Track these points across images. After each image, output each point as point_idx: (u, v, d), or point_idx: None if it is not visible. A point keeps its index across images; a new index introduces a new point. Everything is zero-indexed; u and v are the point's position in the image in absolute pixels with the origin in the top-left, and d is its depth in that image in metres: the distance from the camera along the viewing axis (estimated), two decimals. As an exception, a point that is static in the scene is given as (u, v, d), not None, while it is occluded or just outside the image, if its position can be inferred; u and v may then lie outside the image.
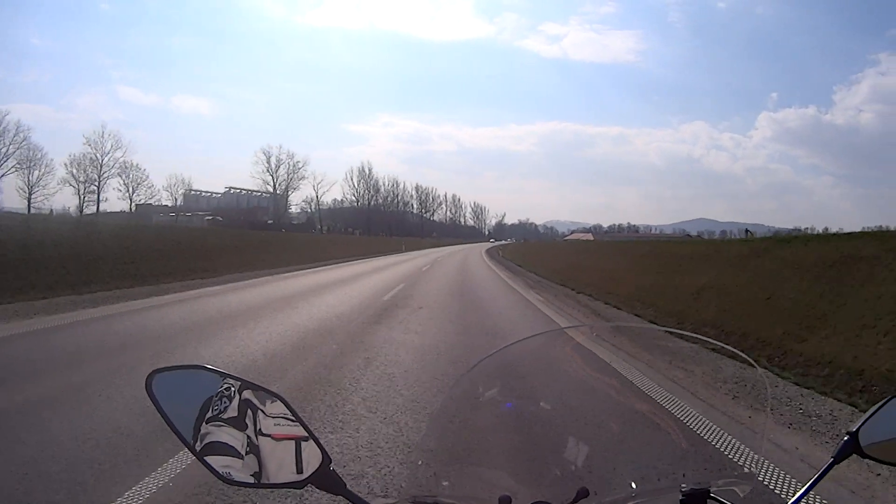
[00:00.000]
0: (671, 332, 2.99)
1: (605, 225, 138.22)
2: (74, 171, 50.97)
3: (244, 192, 77.01)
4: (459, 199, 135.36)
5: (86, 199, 51.60)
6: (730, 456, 1.89)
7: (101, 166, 52.25)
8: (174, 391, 0.75)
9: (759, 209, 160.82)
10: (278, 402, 0.75)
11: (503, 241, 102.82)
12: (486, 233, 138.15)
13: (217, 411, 0.73)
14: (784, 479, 2.53)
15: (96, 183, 52.02)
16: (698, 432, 2.77)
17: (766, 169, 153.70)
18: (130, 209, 54.75)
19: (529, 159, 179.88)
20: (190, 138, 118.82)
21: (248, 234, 29.16)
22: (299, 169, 69.98)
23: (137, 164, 55.80)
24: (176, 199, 63.96)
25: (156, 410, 0.72)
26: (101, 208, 52.58)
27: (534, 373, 1.00)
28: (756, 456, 1.87)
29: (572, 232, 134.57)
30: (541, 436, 0.93)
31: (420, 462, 0.93)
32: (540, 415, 0.96)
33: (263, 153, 68.59)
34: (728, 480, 0.84)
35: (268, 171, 67.89)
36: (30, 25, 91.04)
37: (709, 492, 0.76)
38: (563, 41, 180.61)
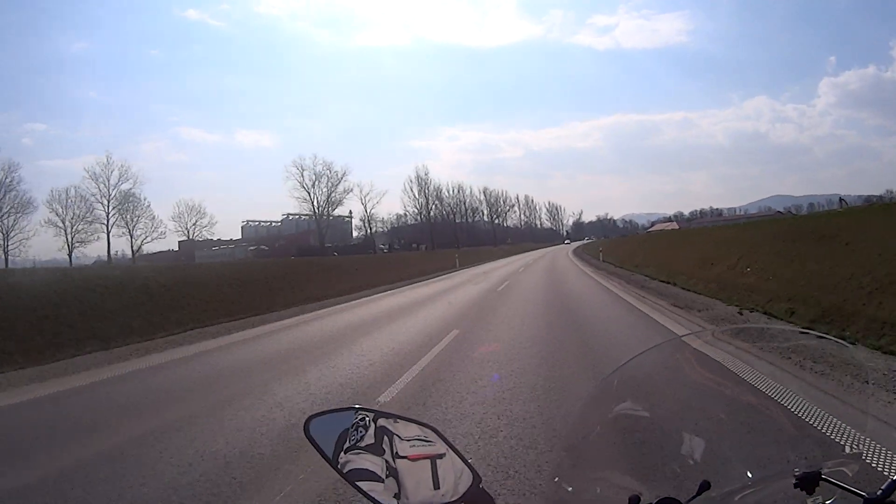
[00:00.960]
0: (807, 332, 3.19)
1: (687, 212, 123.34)
2: (59, 208, 43.97)
3: (303, 216, 72.55)
4: (533, 201, 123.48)
5: (75, 239, 44.21)
6: (837, 439, 1.39)
7: (109, 200, 46.17)
8: (329, 431, 0.82)
9: (831, 178, 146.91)
10: (413, 425, 0.83)
11: (583, 241, 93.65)
12: (564, 233, 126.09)
13: (354, 440, 0.81)
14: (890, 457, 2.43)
15: (103, 220, 45.57)
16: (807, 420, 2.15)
17: (833, 136, 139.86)
18: (136, 248, 47.63)
19: (596, 155, 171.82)
20: (252, 172, 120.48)
21: (277, 265, 24.53)
22: (340, 180, 60.93)
23: (136, 194, 48.30)
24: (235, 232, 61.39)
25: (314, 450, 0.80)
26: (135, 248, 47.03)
27: (654, 380, 1.10)
28: (862, 436, 1.60)
29: (653, 223, 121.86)
30: (660, 437, 1.00)
31: (556, 479, 0.99)
32: (659, 418, 1.05)
33: (296, 167, 59.25)
34: (837, 461, 0.87)
35: (302, 186, 59.13)
36: (86, 80, 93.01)
37: (820, 474, 0.78)
38: (614, 31, 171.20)
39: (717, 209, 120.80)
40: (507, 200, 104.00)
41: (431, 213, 78.68)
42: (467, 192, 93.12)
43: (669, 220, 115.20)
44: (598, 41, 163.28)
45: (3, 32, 67.16)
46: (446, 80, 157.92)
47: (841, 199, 46.68)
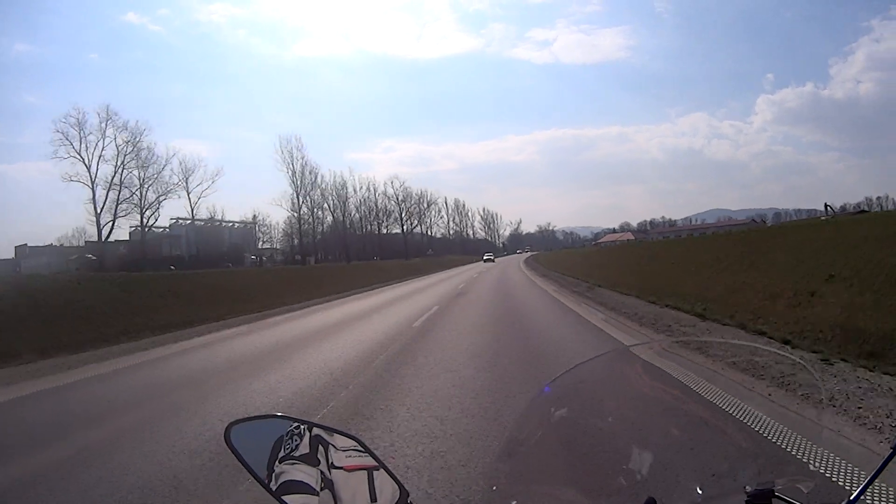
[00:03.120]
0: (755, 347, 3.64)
1: (634, 223, 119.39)
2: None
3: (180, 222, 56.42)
4: (464, 205, 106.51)
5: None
6: (792, 452, 1.43)
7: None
8: (250, 440, 0.77)
9: (768, 193, 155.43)
10: (343, 437, 0.80)
11: (522, 253, 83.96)
12: (501, 245, 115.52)
13: (289, 450, 0.77)
14: (849, 471, 2.38)
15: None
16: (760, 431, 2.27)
17: (770, 152, 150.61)
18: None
19: (532, 168, 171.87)
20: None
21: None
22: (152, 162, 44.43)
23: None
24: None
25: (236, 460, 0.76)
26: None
27: (600, 390, 1.06)
28: (818, 449, 1.70)
29: (597, 235, 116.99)
30: (606, 449, 0.95)
31: (493, 487, 0.92)
32: (605, 429, 1.00)
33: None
34: (792, 479, 0.85)
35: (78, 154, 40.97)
36: (24, 85, 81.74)
37: (773, 491, 0.77)
38: (553, 46, 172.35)
39: (670, 219, 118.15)
40: (428, 200, 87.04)
41: (317, 217, 62.15)
42: (380, 190, 77.19)
43: (621, 231, 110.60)
44: (537, 55, 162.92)
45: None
46: (386, 92, 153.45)
47: (827, 206, 44.08)
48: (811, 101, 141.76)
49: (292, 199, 57.71)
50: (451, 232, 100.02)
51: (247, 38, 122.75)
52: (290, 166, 56.99)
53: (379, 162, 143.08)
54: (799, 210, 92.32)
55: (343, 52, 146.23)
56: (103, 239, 43.08)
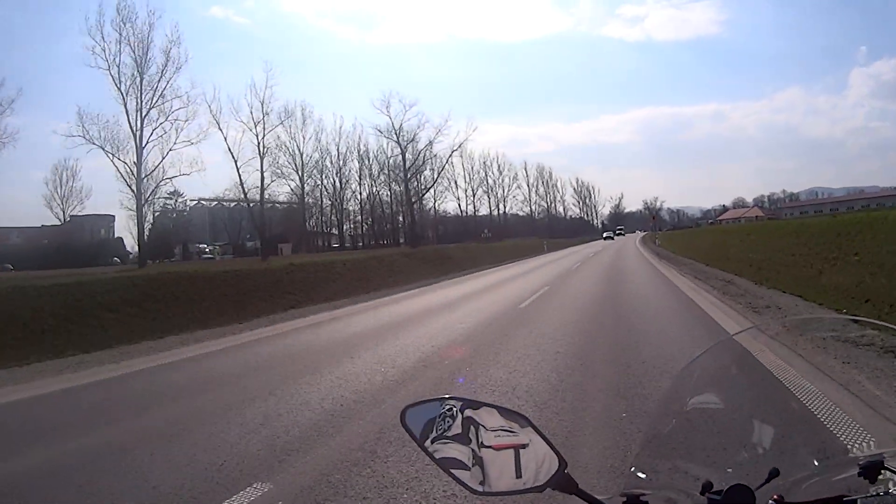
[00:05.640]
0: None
1: (751, 198, 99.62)
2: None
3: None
4: (551, 174, 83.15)
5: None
6: None
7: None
8: (423, 421, 0.85)
9: (866, 171, 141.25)
10: (501, 415, 0.84)
11: (614, 237, 67.90)
12: (601, 224, 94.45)
13: (441, 430, 0.84)
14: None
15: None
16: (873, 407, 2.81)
17: (867, 128, 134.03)
18: None
19: (629, 148, 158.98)
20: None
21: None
22: None
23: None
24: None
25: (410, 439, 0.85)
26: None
27: (724, 375, 1.14)
28: None
29: (724, 210, 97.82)
30: (732, 427, 1.04)
31: (633, 468, 0.98)
32: (731, 409, 1.10)
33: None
34: None
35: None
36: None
37: (882, 462, 0.79)
38: (645, 22, 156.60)
39: (791, 193, 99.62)
40: (503, 169, 69.46)
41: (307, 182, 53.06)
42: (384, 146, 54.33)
43: (740, 207, 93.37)
44: (629, 32, 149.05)
45: None
46: (478, 75, 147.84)
47: None
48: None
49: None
50: (537, 208, 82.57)
51: (332, 25, 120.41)
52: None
53: (476, 144, 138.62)
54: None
55: (432, 37, 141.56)
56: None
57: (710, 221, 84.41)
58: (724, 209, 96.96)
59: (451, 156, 53.37)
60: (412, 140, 50.50)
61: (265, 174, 40.58)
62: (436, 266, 22.82)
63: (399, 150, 51.24)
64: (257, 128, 38.87)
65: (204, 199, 58.51)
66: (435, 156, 52.78)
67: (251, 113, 38.68)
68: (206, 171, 50.28)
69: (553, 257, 31.00)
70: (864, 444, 0.99)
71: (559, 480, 0.79)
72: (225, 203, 57.07)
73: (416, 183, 54.36)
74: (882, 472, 0.78)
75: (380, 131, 51.08)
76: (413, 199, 54.11)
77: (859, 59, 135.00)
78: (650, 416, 1.24)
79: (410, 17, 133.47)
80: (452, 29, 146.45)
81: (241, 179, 39.30)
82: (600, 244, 51.44)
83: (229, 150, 37.72)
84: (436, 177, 56.49)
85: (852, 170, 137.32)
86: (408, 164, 51.50)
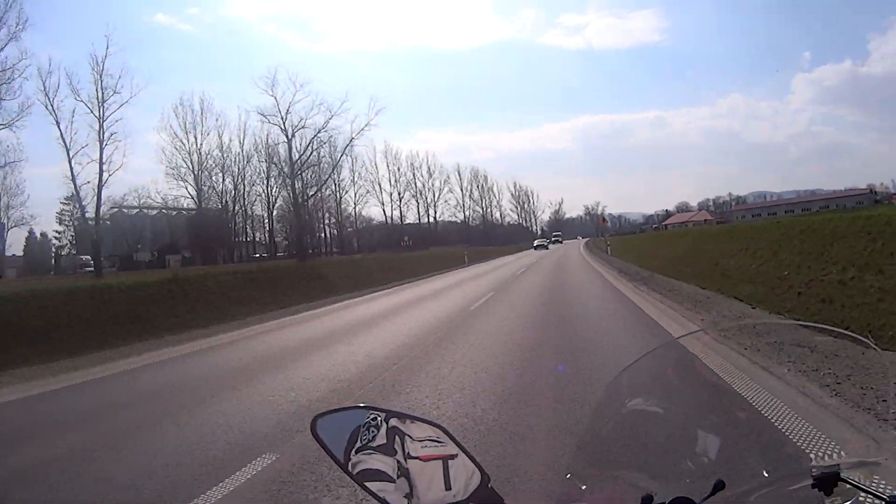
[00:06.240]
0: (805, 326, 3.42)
1: (695, 202, 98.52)
2: None
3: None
4: (486, 178, 77.54)
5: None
6: (856, 434, 1.64)
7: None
8: (337, 431, 0.80)
9: (809, 174, 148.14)
10: (425, 425, 0.80)
11: (552, 243, 59.78)
12: (540, 231, 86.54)
13: (366, 440, 0.79)
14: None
15: None
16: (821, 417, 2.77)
17: (810, 132, 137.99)
18: None
19: (570, 156, 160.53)
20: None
21: None
22: None
23: None
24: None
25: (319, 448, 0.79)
26: None
27: (665, 379, 1.06)
28: (883, 433, 1.66)
29: (668, 215, 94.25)
30: (674, 434, 0.97)
31: (568, 475, 0.95)
32: (673, 415, 1.01)
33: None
34: (856, 461, 0.83)
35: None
36: None
37: (839, 474, 0.76)
38: (585, 31, 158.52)
39: (738, 196, 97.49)
40: (432, 171, 62.91)
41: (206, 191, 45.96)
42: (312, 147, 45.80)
43: (683, 211, 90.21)
44: (570, 41, 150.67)
45: None
46: (421, 83, 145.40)
47: None
48: (849, 79, 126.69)
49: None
50: (470, 212, 75.36)
51: (277, 32, 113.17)
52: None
53: (403, 146, 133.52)
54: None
55: (375, 45, 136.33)
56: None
57: (654, 226, 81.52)
58: (668, 214, 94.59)
59: (349, 144, 44.45)
60: (301, 126, 41.42)
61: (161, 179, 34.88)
62: (270, 293, 14.67)
63: (284, 138, 42.10)
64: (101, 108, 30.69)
65: (125, 207, 49.20)
66: (338, 150, 45.11)
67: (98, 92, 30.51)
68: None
69: (466, 275, 22.19)
70: (819, 454, 0.95)
71: (484, 495, 0.77)
72: (125, 210, 48.77)
73: (308, 180, 46.15)
74: (838, 483, 0.75)
75: (263, 115, 42.02)
76: (300, 199, 45.26)
77: (802, 64, 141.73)
78: (586, 417, 1.08)
79: (355, 24, 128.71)
80: (396, 36, 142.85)
81: (73, 173, 31.26)
82: (534, 254, 41.75)
83: (61, 136, 29.81)
84: (330, 171, 47.92)
85: (796, 173, 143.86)
86: (295, 156, 42.56)
